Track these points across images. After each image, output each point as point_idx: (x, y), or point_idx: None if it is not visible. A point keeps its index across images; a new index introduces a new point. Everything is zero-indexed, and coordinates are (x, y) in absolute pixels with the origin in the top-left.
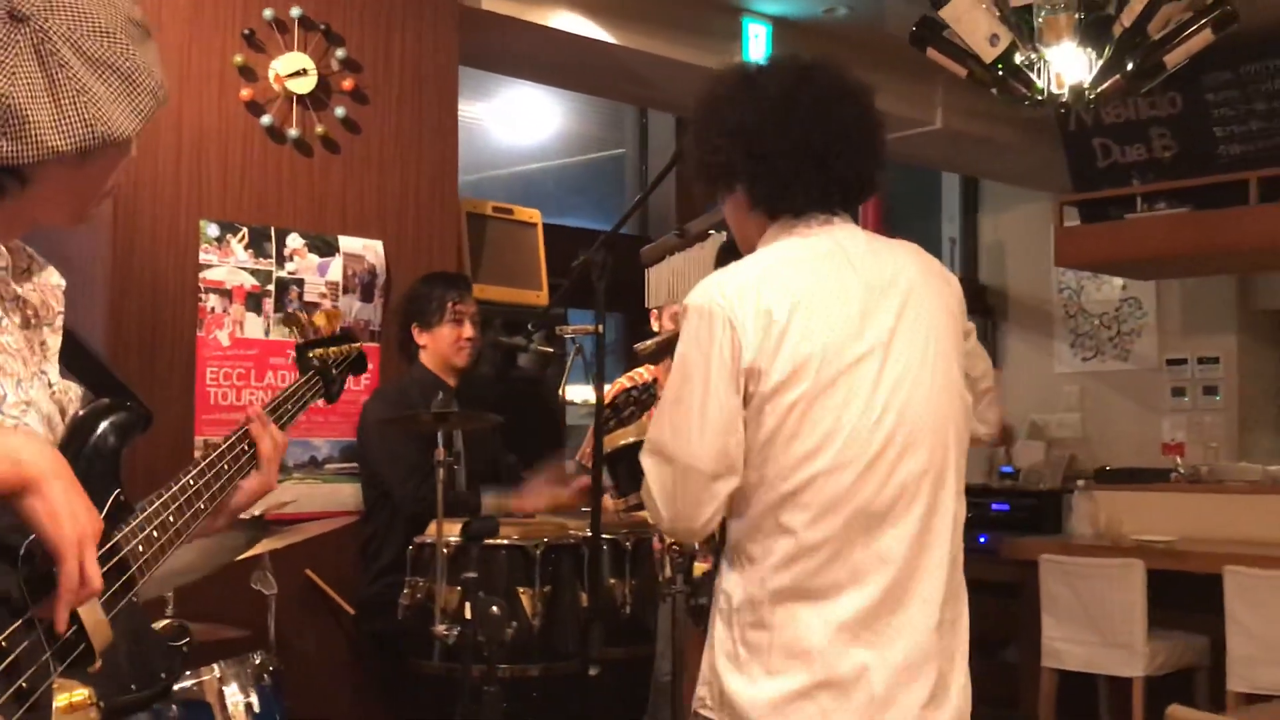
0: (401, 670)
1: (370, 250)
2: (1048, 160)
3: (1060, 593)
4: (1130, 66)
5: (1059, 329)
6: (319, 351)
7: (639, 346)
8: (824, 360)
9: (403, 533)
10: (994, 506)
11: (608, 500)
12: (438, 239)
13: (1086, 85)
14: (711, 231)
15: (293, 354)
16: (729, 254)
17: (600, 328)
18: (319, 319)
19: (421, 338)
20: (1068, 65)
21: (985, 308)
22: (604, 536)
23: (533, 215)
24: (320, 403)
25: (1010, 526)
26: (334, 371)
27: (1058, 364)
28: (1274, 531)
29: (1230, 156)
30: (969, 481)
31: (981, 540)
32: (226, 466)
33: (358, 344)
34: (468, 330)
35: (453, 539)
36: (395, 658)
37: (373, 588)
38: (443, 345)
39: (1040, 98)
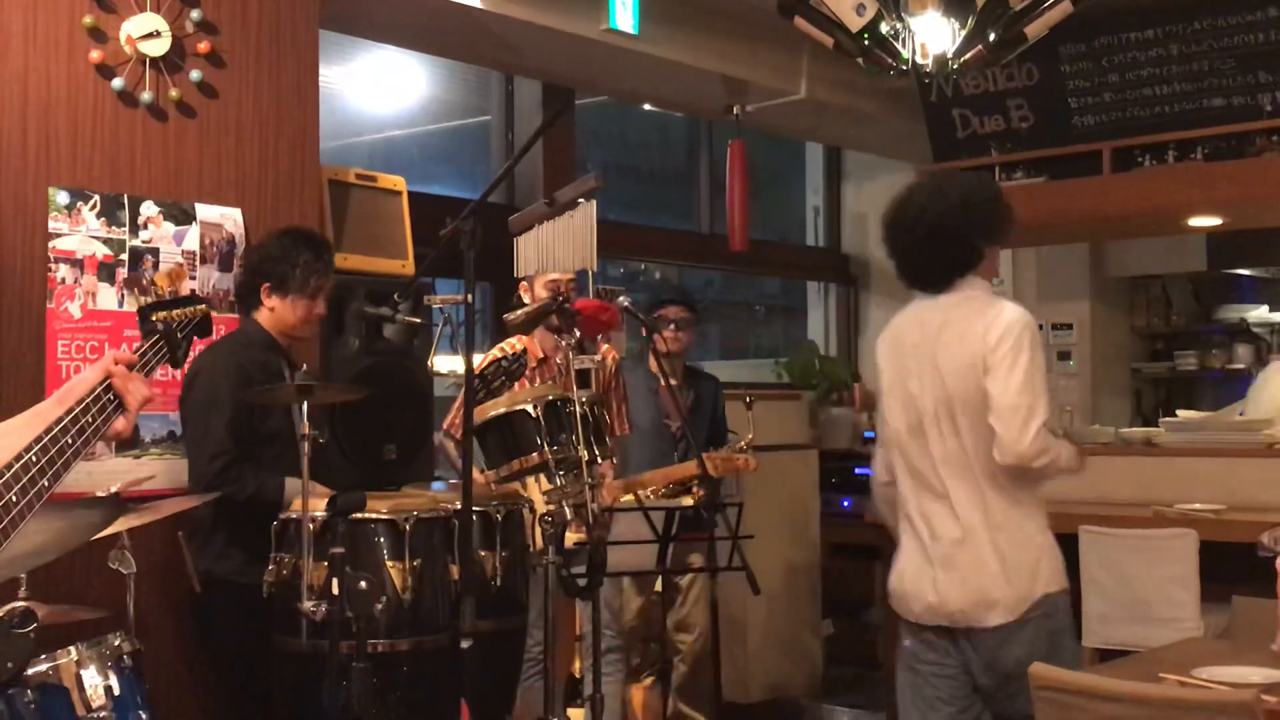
0: (267, 648)
1: (228, 219)
2: (909, 131)
3: None
4: (992, 37)
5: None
6: (162, 314)
7: (509, 316)
8: None
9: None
10: (858, 470)
11: (477, 472)
12: (298, 207)
13: (950, 55)
14: (581, 200)
15: None
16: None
17: (469, 297)
18: (160, 279)
19: (271, 300)
20: (932, 35)
21: (848, 277)
22: (474, 509)
23: (397, 183)
24: (166, 367)
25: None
26: (179, 335)
27: None
28: (1126, 491)
29: (1084, 127)
30: (835, 446)
31: (845, 504)
32: (70, 440)
33: (203, 304)
34: (321, 307)
35: (318, 513)
36: (259, 635)
37: (223, 565)
38: (291, 316)
39: (905, 67)
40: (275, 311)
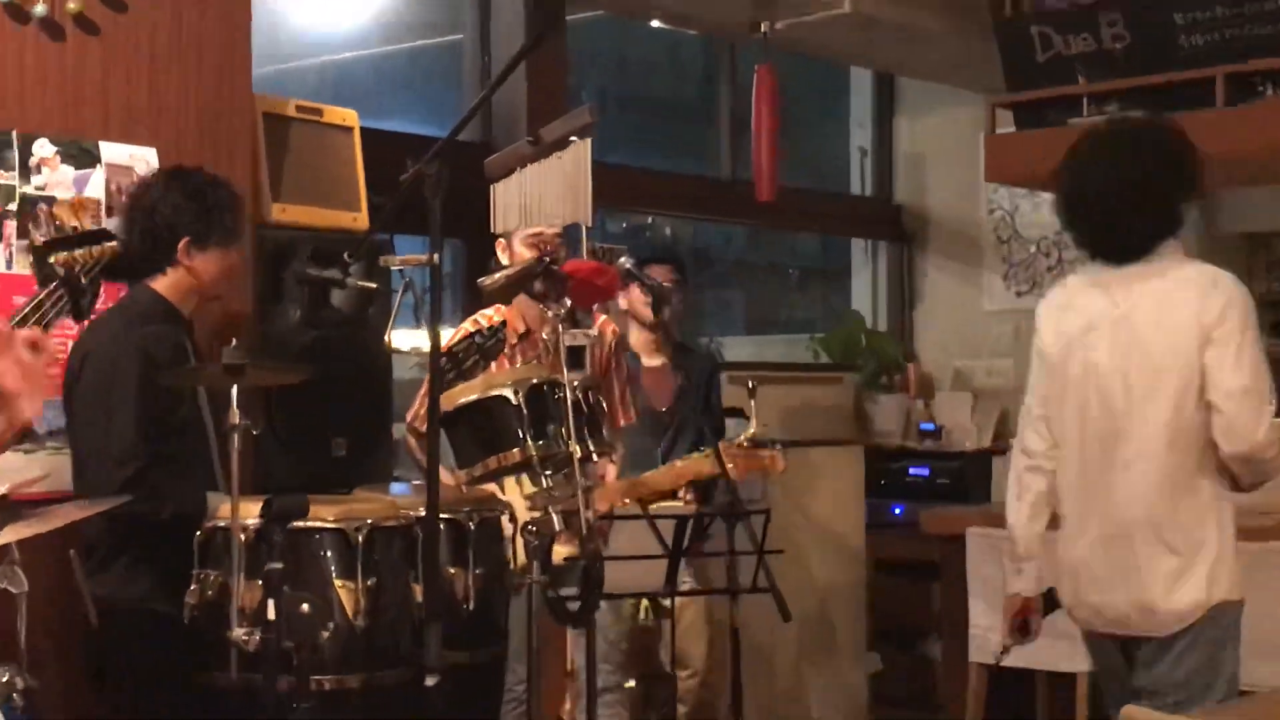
0: (189, 686)
1: (141, 161)
2: (977, 53)
3: (992, 574)
4: None
5: (989, 258)
6: (63, 255)
7: (484, 281)
8: None
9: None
10: (911, 471)
11: (446, 473)
12: (227, 146)
13: None
14: (573, 139)
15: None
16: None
17: (435, 258)
18: (61, 211)
19: (192, 256)
20: None
21: (901, 233)
22: (442, 516)
23: (347, 117)
24: (68, 321)
25: (931, 495)
26: (83, 280)
27: (987, 300)
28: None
29: (1193, 49)
30: (882, 442)
31: (896, 512)
32: None
33: (113, 241)
34: (240, 254)
35: (251, 521)
36: (178, 671)
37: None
38: (214, 272)
39: None
40: (195, 269)
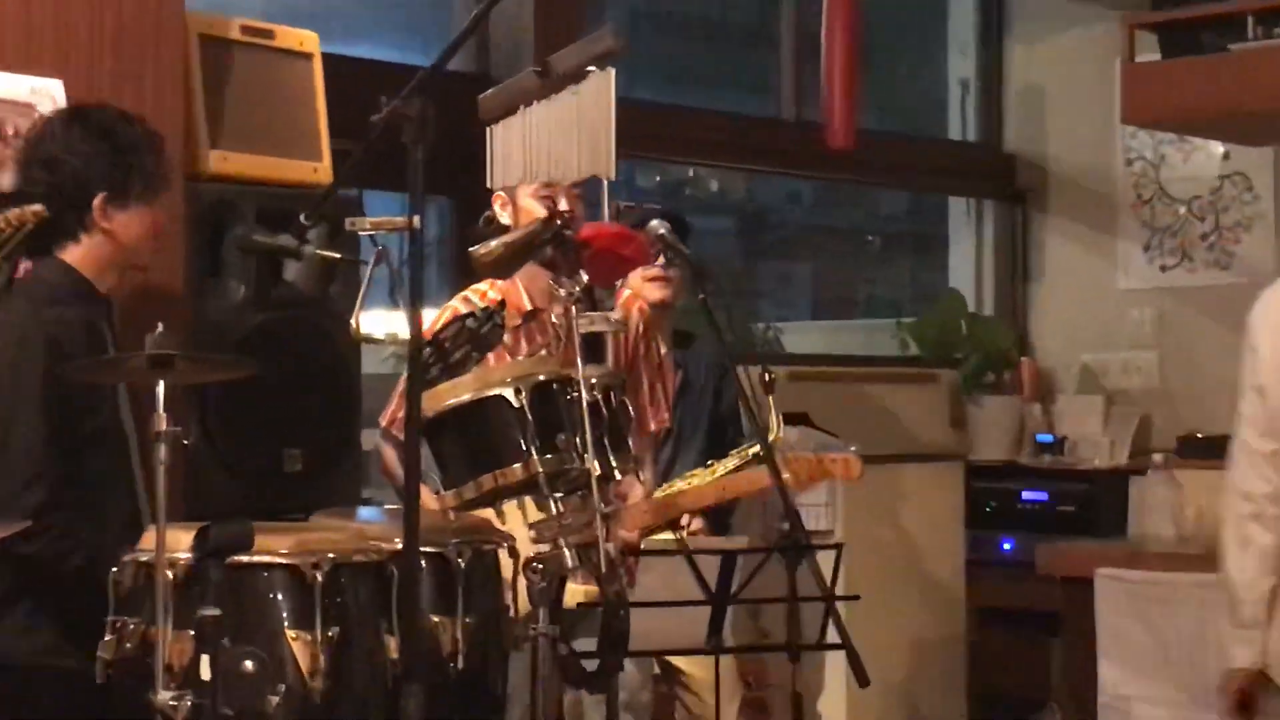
0: None
1: (44, 96)
2: None
3: (1127, 627)
4: None
5: (1126, 222)
6: None
7: (478, 250)
8: None
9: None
10: (1025, 496)
11: (428, 494)
12: (152, 78)
13: None
14: (591, 69)
15: None
16: None
17: (415, 221)
18: None
19: (109, 217)
20: None
21: (1014, 190)
22: (423, 549)
23: (305, 40)
24: None
25: (1050, 526)
26: None
27: (1123, 276)
28: None
29: None
30: (987, 458)
31: (1005, 547)
32: None
33: (37, 206)
34: (163, 216)
35: (181, 556)
36: None
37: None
38: (135, 235)
39: None
40: (114, 232)
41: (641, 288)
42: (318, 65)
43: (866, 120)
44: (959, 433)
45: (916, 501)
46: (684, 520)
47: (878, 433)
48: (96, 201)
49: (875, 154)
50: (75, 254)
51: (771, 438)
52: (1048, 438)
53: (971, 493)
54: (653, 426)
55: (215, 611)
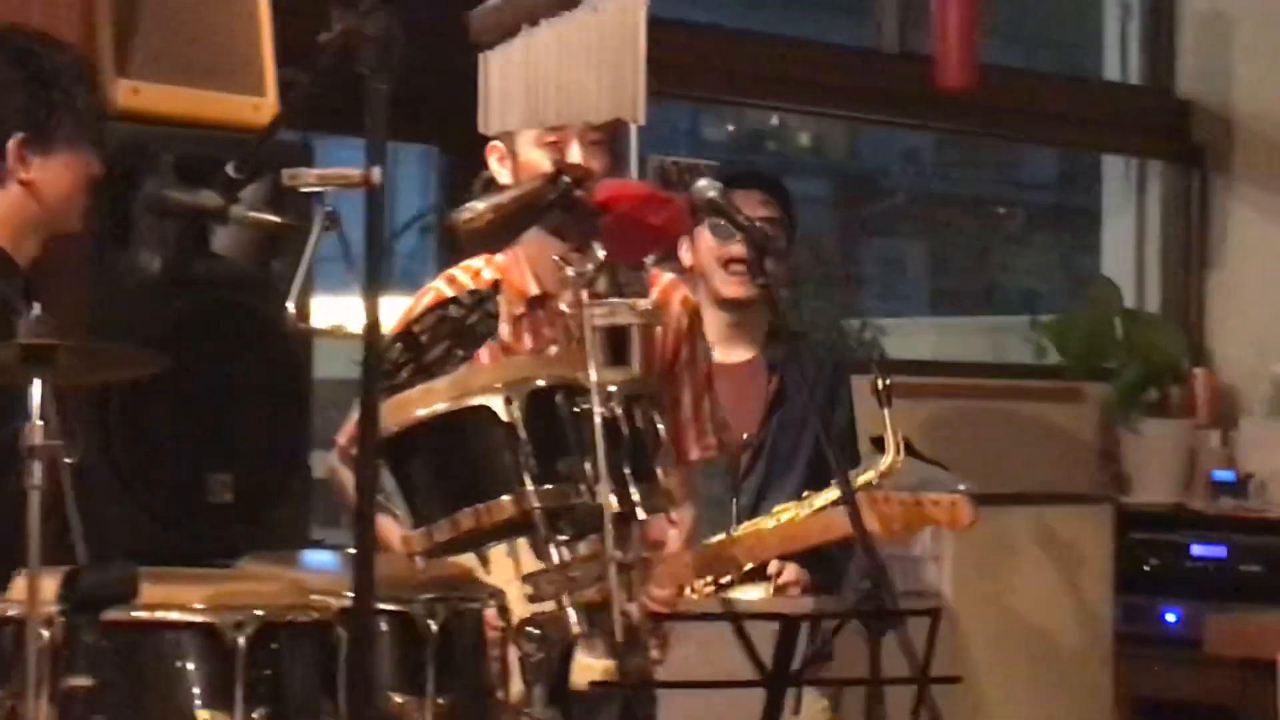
0: None
1: None
2: None
3: None
4: None
5: None
6: None
7: (460, 216)
8: None
9: None
10: (1196, 551)
11: (388, 527)
12: None
13: None
14: None
15: None
16: None
17: (375, 174)
18: None
19: (29, 166)
20: None
21: (1189, 148)
22: (382, 607)
23: None
24: None
25: (1229, 591)
26: None
27: None
28: None
29: None
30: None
31: (1169, 619)
32: None
33: None
34: (97, 163)
35: (54, 608)
36: None
37: None
38: (62, 188)
39: None
40: (35, 185)
41: (713, 274)
42: None
43: (993, 54)
44: (1110, 466)
45: (1051, 556)
46: (773, 569)
47: (1002, 465)
48: (11, 145)
49: (1004, 98)
50: None
51: (885, 464)
52: (1228, 475)
53: (1125, 546)
54: (694, 454)
55: (85, 682)
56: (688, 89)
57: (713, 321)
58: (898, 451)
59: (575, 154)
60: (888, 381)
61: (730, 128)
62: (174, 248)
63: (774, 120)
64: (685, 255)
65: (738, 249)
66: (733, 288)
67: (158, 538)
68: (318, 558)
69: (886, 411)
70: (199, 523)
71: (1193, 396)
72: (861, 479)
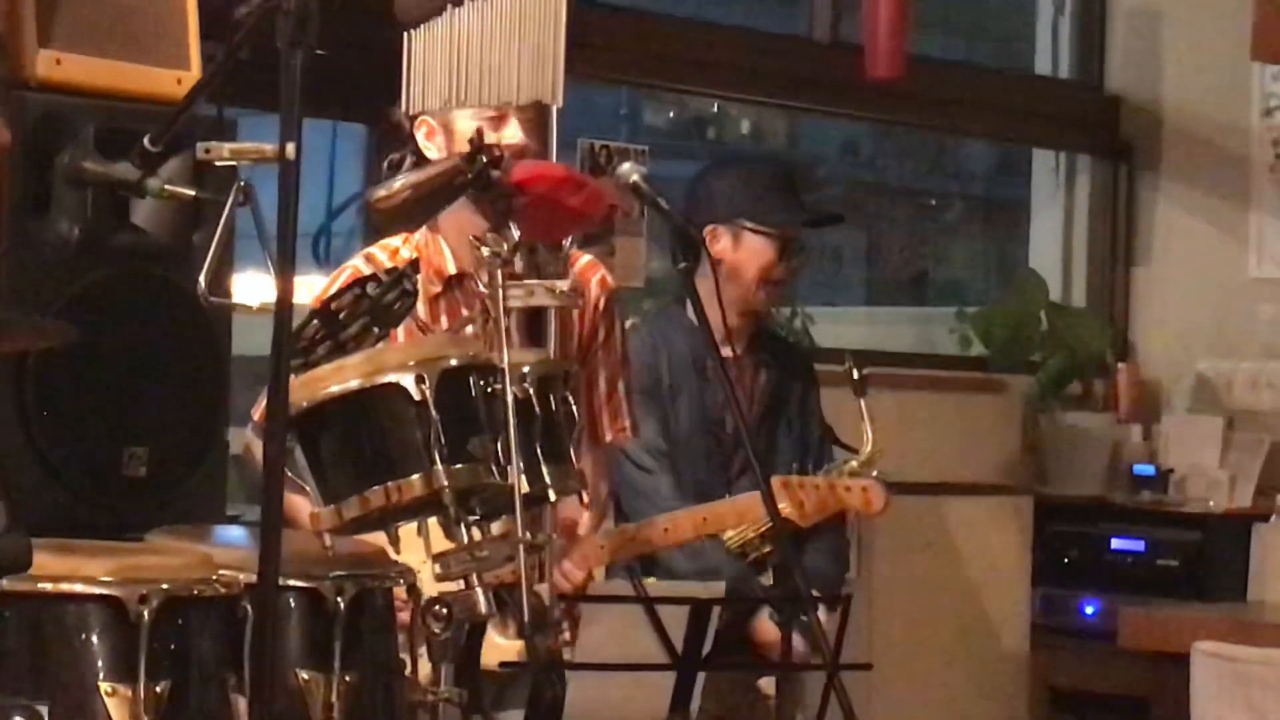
0: None
1: None
2: None
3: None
4: None
5: (1261, 189)
6: None
7: (376, 194)
8: None
9: None
10: (1116, 545)
11: (300, 505)
12: None
13: None
14: None
15: None
16: None
17: (289, 150)
18: None
19: None
20: None
21: (1117, 143)
22: (289, 583)
23: None
24: None
25: (1148, 585)
26: None
27: (1256, 260)
28: None
29: None
30: (1067, 493)
31: (1087, 611)
32: None
33: None
34: (4, 130)
35: None
36: None
37: None
38: None
39: None
40: None
41: (750, 284)
42: None
43: (924, 45)
44: (1030, 459)
45: (969, 547)
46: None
47: (923, 454)
48: None
49: (934, 89)
50: None
51: (866, 454)
52: (1148, 470)
53: (1045, 538)
54: (609, 436)
55: None
56: (616, 73)
57: (716, 316)
58: (871, 442)
59: (514, 130)
60: (864, 372)
61: (671, 113)
62: (93, 219)
63: (714, 107)
64: (722, 247)
65: (783, 273)
66: (761, 302)
67: (71, 510)
68: (228, 533)
69: (862, 401)
70: (113, 496)
71: (1116, 390)
72: (839, 467)
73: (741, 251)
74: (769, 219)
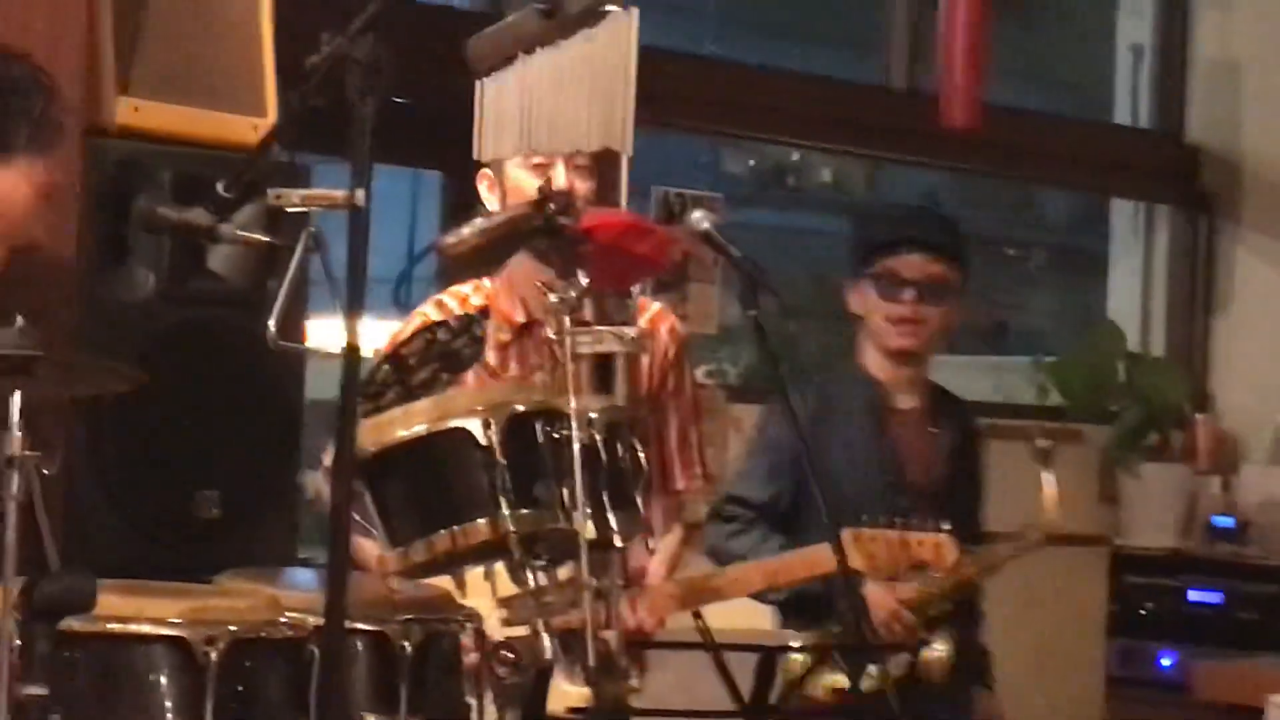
0: None
1: None
2: None
3: None
4: None
5: None
6: None
7: (446, 241)
8: None
9: None
10: (1193, 596)
11: (369, 549)
12: (48, 3)
13: None
14: (610, 6)
15: None
16: None
17: (358, 196)
18: None
19: None
20: None
21: (1197, 193)
22: (356, 627)
23: None
24: None
25: (1226, 637)
26: None
27: None
28: None
29: None
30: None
31: (1164, 663)
32: None
33: None
34: (57, 173)
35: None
36: None
37: None
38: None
39: None
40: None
41: (880, 329)
42: None
43: (1002, 94)
44: (1107, 509)
45: (1046, 597)
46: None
47: (997, 505)
48: None
49: (1010, 137)
50: None
51: (1047, 519)
52: (1227, 521)
53: (1121, 590)
54: (681, 484)
55: (40, 691)
56: (694, 121)
57: (882, 368)
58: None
59: (561, 176)
60: (1044, 442)
61: (751, 162)
62: (169, 265)
63: (795, 156)
64: (854, 304)
65: (902, 309)
66: (898, 340)
67: (145, 552)
68: (297, 575)
69: (1048, 473)
70: (186, 539)
71: (1194, 441)
72: (1031, 538)
73: (863, 299)
74: (875, 258)
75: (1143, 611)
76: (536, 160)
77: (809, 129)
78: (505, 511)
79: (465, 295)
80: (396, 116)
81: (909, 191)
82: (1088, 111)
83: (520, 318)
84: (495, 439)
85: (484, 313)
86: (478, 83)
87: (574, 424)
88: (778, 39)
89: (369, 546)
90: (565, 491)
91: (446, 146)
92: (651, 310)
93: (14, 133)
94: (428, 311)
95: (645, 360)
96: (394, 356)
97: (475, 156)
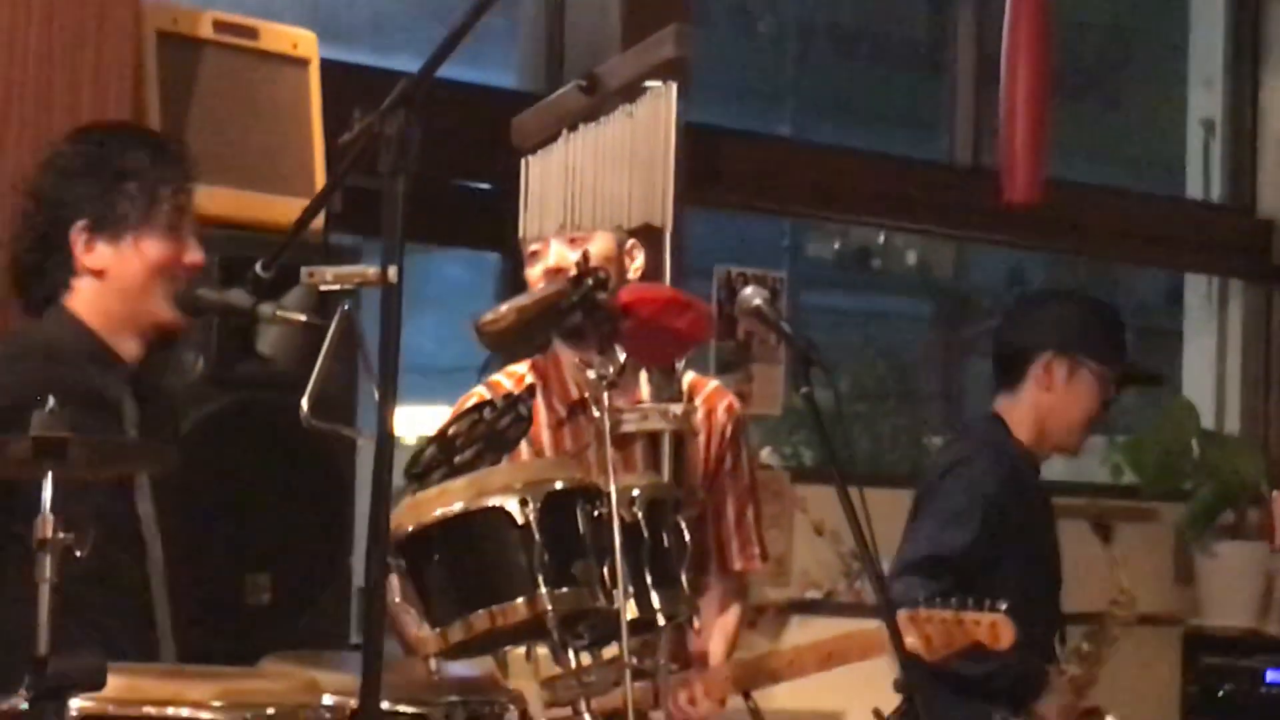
0: None
1: None
2: None
3: None
4: None
5: None
6: None
7: (483, 319)
8: None
9: None
10: (1270, 677)
11: (409, 627)
12: (93, 87)
13: None
14: (650, 83)
15: None
16: None
17: (391, 273)
18: None
19: (93, 253)
20: None
21: (1270, 269)
22: (396, 709)
23: (300, 42)
24: None
25: None
26: None
27: None
28: None
29: None
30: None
31: None
32: None
33: None
34: (195, 251)
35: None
36: None
37: None
38: (135, 274)
39: None
40: (106, 277)
41: (1076, 424)
42: (315, 74)
43: (1068, 169)
44: (1182, 589)
45: (1119, 677)
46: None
47: (1075, 582)
48: (74, 232)
49: (1082, 213)
50: (78, 302)
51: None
52: None
53: (1197, 670)
54: (738, 564)
55: None
56: (757, 200)
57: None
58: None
59: (554, 254)
60: (1107, 524)
61: (836, 244)
62: (216, 348)
63: (880, 238)
64: (1056, 378)
65: (1100, 417)
66: (1077, 445)
67: (192, 639)
68: (341, 659)
69: (1109, 549)
70: (236, 623)
71: (1270, 519)
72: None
73: (1076, 386)
74: (1115, 357)
75: (1219, 693)
76: (574, 235)
77: (874, 207)
78: (543, 590)
79: (521, 374)
80: (450, 197)
81: (996, 273)
82: (1160, 187)
83: (575, 395)
84: (533, 517)
85: (530, 390)
86: (522, 161)
87: (614, 501)
88: (842, 113)
89: (413, 628)
90: (605, 570)
91: (504, 226)
92: (708, 388)
93: (124, 211)
94: (481, 391)
95: (701, 439)
96: (440, 437)
97: (520, 235)
